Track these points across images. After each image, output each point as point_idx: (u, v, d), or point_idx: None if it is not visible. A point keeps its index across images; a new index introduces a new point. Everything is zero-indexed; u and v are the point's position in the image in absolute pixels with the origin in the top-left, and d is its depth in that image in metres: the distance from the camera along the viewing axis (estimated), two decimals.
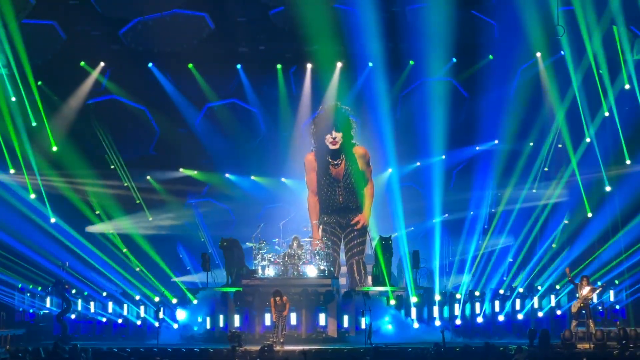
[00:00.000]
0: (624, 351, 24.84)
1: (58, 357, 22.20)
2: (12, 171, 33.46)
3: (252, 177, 39.87)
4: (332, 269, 31.33)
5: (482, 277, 34.75)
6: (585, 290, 26.90)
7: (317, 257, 31.03)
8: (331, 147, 32.91)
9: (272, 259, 31.04)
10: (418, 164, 38.25)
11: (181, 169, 39.06)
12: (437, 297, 30.02)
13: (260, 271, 30.71)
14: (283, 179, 39.10)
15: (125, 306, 31.01)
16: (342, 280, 32.57)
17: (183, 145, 38.79)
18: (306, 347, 25.81)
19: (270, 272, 30.61)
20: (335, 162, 33.45)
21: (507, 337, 29.58)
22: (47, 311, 31.79)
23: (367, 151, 33.85)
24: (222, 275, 32.21)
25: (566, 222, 35.17)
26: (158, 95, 35.57)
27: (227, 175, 39.44)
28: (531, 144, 36.23)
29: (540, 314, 30.69)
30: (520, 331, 29.85)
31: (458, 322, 30.06)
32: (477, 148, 37.51)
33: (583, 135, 33.28)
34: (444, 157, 37.25)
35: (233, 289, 30.06)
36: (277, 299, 27.35)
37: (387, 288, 30.06)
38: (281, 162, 38.56)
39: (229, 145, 38.50)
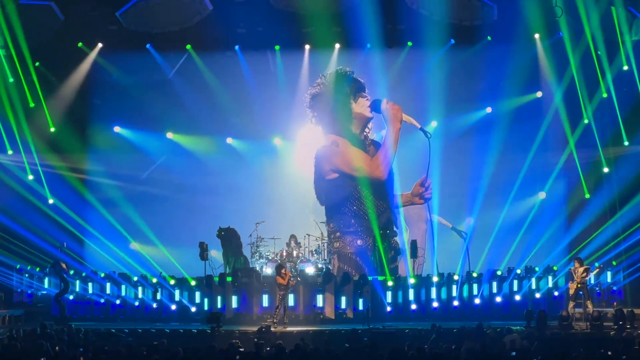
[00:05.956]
0: (621, 332, 24.94)
1: (57, 337, 22.25)
2: (10, 152, 33.46)
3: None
4: (329, 266, 30.62)
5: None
6: (580, 271, 26.97)
7: (316, 256, 30.95)
8: (367, 114, 29.71)
9: (269, 257, 30.95)
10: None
11: None
12: (435, 279, 29.93)
13: (258, 269, 30.57)
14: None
15: (123, 287, 30.99)
16: None
17: None
18: (304, 329, 25.91)
19: (268, 270, 30.33)
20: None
21: (505, 318, 29.58)
22: (45, 292, 31.85)
23: None
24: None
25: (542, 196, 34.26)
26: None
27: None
28: None
29: (537, 295, 30.70)
30: (518, 312, 29.86)
31: (455, 303, 30.04)
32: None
33: (581, 116, 33.21)
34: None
35: (229, 279, 29.71)
36: (283, 271, 27.19)
37: (386, 278, 29.65)
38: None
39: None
